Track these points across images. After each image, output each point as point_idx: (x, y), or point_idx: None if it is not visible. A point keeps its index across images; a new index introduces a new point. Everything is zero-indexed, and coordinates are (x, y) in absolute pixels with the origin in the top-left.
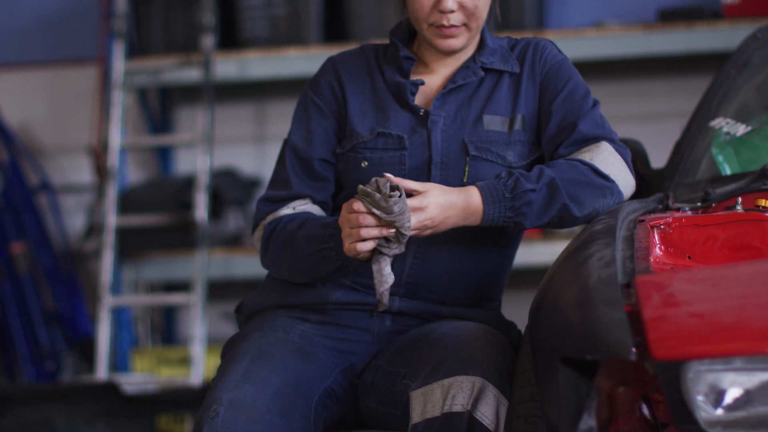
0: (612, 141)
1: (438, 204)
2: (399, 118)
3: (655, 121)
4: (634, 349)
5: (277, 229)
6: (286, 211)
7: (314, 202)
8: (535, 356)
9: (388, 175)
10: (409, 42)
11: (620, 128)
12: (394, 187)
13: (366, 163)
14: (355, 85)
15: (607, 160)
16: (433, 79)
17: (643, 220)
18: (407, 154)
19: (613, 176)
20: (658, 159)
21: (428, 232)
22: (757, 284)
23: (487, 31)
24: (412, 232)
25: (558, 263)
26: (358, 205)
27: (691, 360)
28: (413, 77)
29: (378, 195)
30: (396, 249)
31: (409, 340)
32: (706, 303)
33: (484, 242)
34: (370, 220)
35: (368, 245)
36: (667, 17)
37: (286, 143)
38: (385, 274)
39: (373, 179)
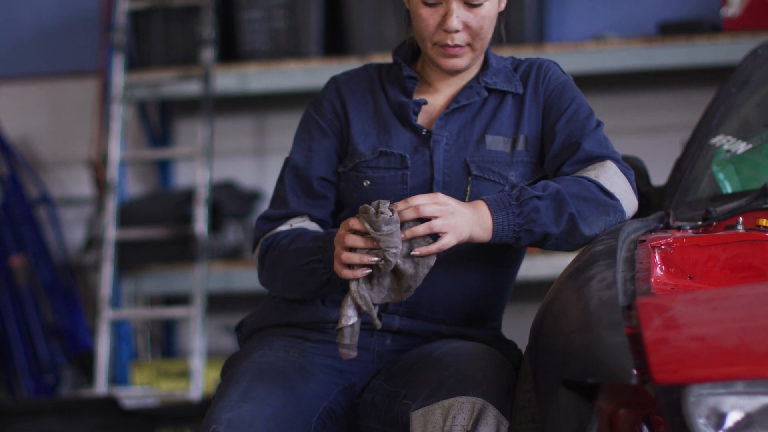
0: (616, 161)
1: (449, 201)
2: (401, 137)
3: (655, 135)
4: (635, 372)
5: (272, 245)
6: (283, 227)
7: (312, 219)
8: (535, 378)
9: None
10: (413, 61)
11: (620, 141)
12: (391, 210)
13: (368, 182)
14: (357, 104)
15: (612, 179)
16: (437, 98)
17: (644, 240)
18: (409, 173)
19: (617, 195)
20: (658, 172)
21: (454, 235)
22: (758, 307)
23: (491, 51)
24: (439, 222)
25: (559, 284)
26: (353, 222)
27: (693, 384)
28: (417, 96)
29: (372, 210)
30: (363, 298)
31: (410, 359)
32: (707, 326)
33: (486, 262)
34: (356, 241)
35: (351, 273)
36: (667, 30)
37: (287, 162)
38: (344, 314)
39: (376, 201)
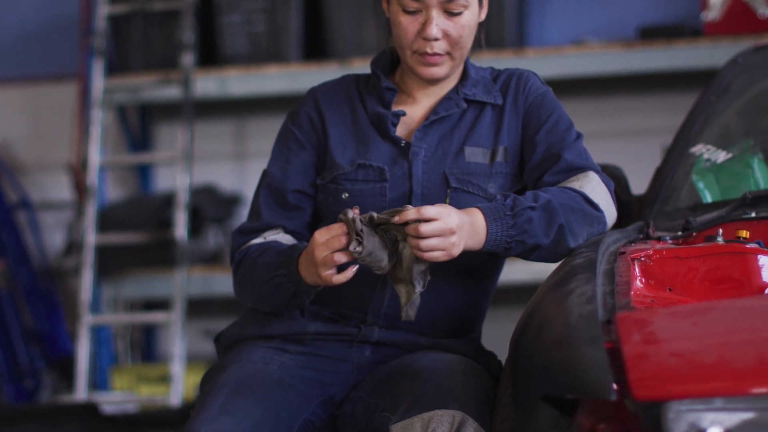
0: (597, 172)
1: (452, 223)
2: (380, 149)
3: (636, 138)
4: (615, 387)
5: (244, 259)
6: (256, 240)
7: (286, 231)
8: (515, 392)
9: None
10: (392, 72)
11: (601, 145)
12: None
13: (346, 195)
14: (335, 116)
15: (595, 189)
16: (416, 109)
17: (623, 252)
18: (388, 186)
19: (601, 206)
20: (639, 175)
21: (446, 253)
22: (737, 322)
23: (471, 62)
24: (436, 252)
25: (538, 297)
26: (336, 244)
27: (672, 399)
28: (396, 107)
29: (353, 244)
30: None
31: (389, 371)
32: (686, 341)
33: (466, 274)
34: (342, 257)
35: (342, 277)
36: (647, 35)
37: (264, 174)
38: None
39: (353, 215)
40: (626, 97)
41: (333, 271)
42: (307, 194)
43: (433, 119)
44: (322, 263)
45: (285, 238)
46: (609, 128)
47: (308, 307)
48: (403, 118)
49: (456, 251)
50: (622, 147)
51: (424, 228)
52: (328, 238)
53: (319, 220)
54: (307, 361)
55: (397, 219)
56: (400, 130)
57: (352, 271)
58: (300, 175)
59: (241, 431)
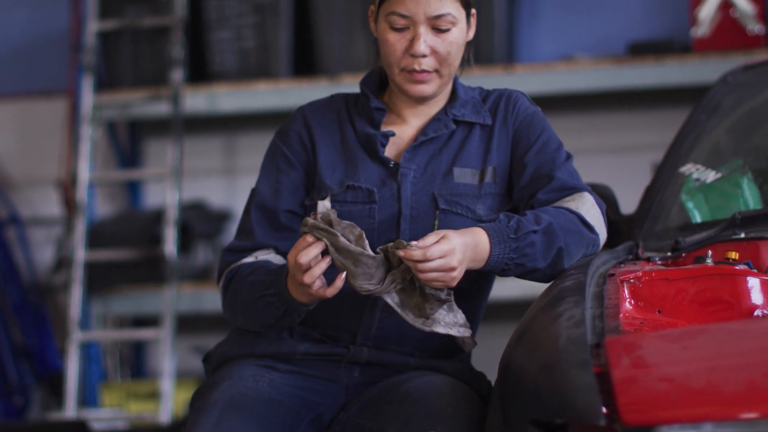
0: (590, 193)
1: (454, 260)
2: (369, 170)
3: (625, 154)
4: (604, 411)
5: (235, 277)
6: (248, 260)
7: (278, 252)
8: (505, 416)
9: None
10: (381, 92)
11: (591, 161)
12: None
13: None
14: (324, 136)
15: (590, 211)
16: (405, 130)
17: (613, 274)
18: (377, 207)
19: (596, 229)
20: (629, 191)
21: (444, 284)
22: (726, 346)
23: (460, 82)
24: (435, 282)
25: (527, 320)
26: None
27: (661, 425)
28: (385, 127)
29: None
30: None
31: (378, 392)
32: (676, 365)
33: (456, 294)
34: (322, 267)
35: (332, 289)
36: (637, 51)
37: (254, 193)
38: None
39: (322, 211)
40: (616, 113)
41: (320, 283)
42: (297, 214)
43: (422, 140)
44: (304, 282)
45: (276, 259)
46: (599, 144)
47: (297, 329)
48: (392, 139)
49: (454, 283)
50: (612, 163)
51: (423, 267)
52: (296, 259)
53: None
54: (296, 380)
55: (402, 254)
56: (389, 151)
57: (341, 279)
58: (291, 195)
59: None
